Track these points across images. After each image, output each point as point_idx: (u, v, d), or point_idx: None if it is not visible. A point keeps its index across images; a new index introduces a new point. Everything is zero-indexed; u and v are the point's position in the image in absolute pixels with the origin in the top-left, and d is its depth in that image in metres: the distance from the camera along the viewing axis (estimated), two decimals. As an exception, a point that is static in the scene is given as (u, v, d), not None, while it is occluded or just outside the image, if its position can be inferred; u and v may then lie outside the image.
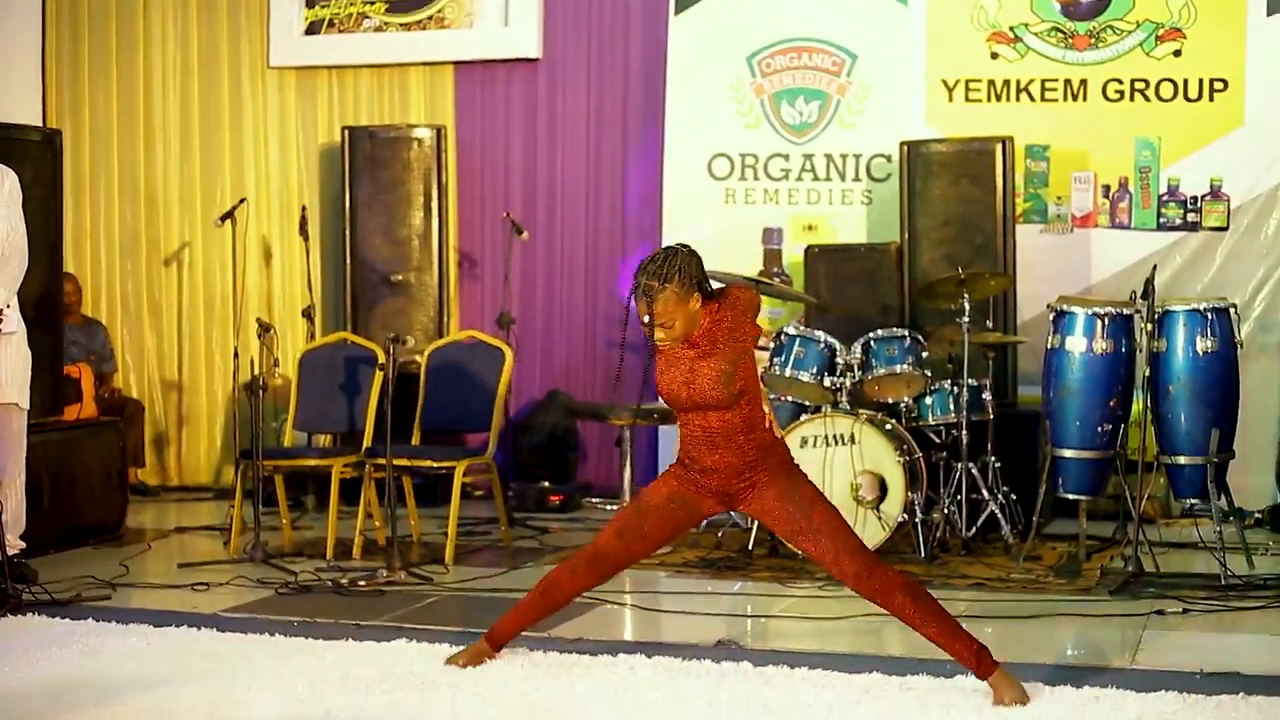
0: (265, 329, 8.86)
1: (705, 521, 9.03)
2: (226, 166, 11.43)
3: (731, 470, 5.38)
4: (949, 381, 8.41)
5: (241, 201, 9.70)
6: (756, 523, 8.15)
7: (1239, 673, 5.44)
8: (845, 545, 5.28)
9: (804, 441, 7.95)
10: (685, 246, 5.39)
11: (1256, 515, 9.35)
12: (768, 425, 5.42)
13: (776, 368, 8.32)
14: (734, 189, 10.72)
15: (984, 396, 8.46)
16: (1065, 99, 10.07)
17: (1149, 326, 7.54)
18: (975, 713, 4.97)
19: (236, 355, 8.86)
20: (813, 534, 5.30)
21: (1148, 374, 7.59)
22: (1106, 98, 10.00)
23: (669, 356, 5.37)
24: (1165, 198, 9.94)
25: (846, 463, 7.90)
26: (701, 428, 5.36)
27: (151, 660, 5.66)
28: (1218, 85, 9.79)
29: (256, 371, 8.39)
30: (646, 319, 5.23)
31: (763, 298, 9.10)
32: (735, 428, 5.33)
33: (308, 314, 10.49)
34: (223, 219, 9.41)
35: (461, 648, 5.80)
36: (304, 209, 10.84)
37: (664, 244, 10.55)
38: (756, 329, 5.46)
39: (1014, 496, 8.56)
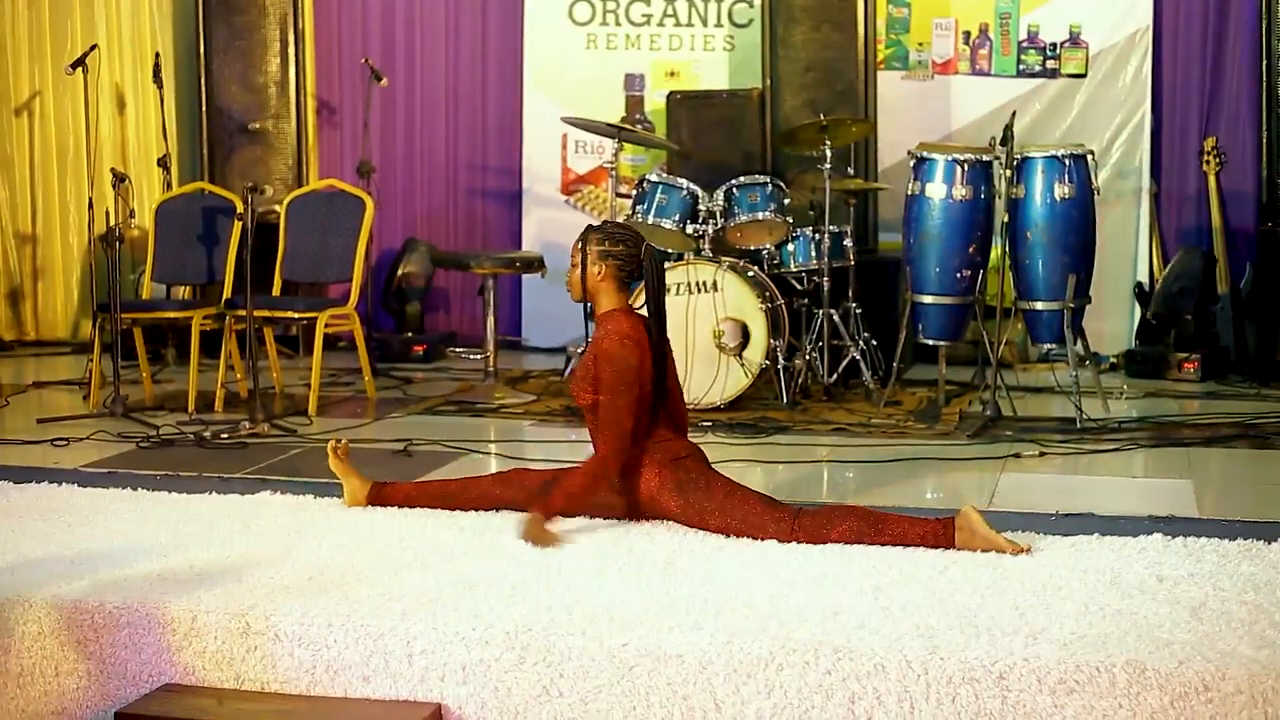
0: (120, 179, 8.69)
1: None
2: (77, 12, 11.13)
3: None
4: (811, 228, 8.44)
5: (93, 48, 9.44)
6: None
7: (1093, 513, 5.55)
8: (765, 514, 5.24)
9: (667, 289, 7.96)
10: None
11: (1111, 360, 9.53)
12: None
13: (639, 215, 8.31)
14: (595, 34, 10.64)
15: (845, 243, 8.51)
16: (927, -57, 10.09)
17: (1008, 173, 7.59)
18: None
19: (91, 206, 8.68)
20: (723, 515, 5.29)
21: (1006, 220, 7.65)
22: (968, -58, 10.03)
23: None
24: (1025, 44, 10.00)
25: (709, 310, 7.92)
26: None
27: (13, 517, 5.60)
28: (1077, -70, 9.88)
29: (112, 223, 8.25)
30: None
31: (626, 145, 9.15)
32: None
33: (163, 163, 10.30)
34: (74, 67, 9.16)
35: (326, 499, 5.80)
36: (157, 55, 10.61)
37: (525, 92, 10.57)
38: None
39: (875, 342, 8.66)
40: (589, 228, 5.57)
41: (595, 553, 5.04)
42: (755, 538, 5.16)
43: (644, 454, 5.36)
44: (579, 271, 5.46)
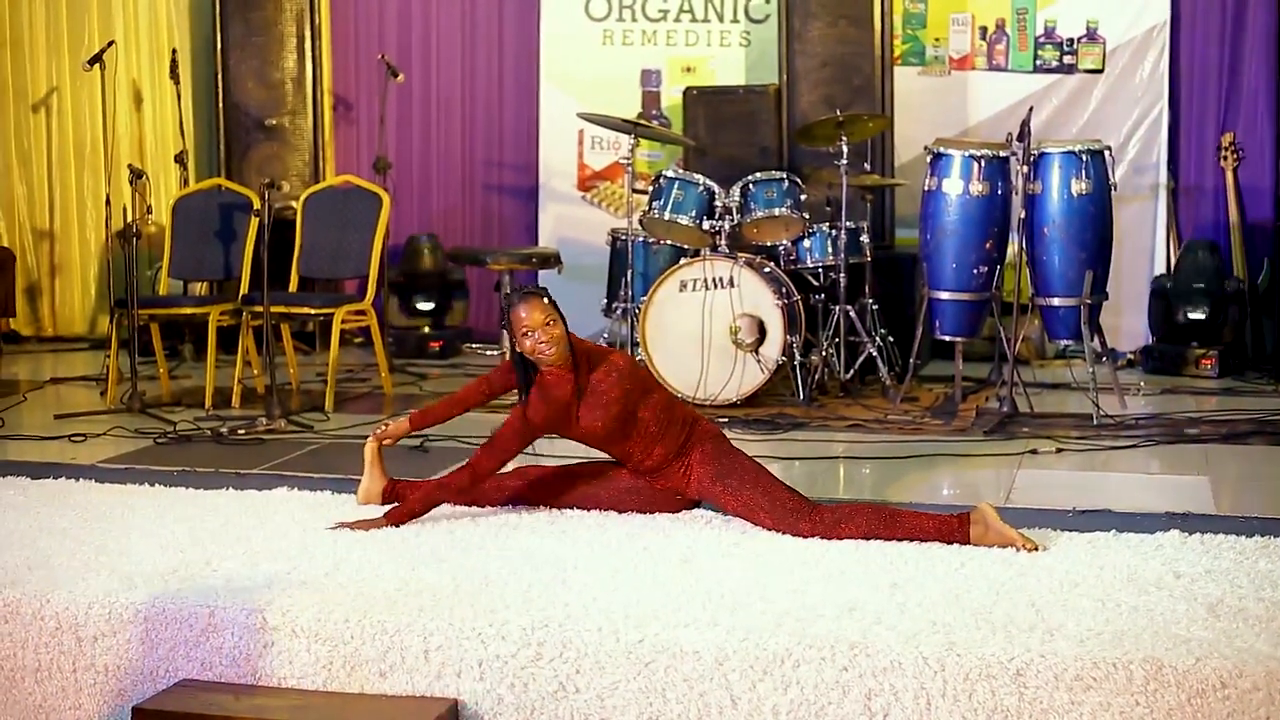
0: (137, 175, 8.70)
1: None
2: (94, 8, 11.13)
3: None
4: (827, 224, 8.43)
5: (110, 44, 9.48)
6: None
7: (1110, 510, 5.55)
8: (788, 501, 5.26)
9: (683, 285, 7.96)
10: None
11: (1129, 356, 9.52)
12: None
13: (655, 211, 8.30)
14: (612, 30, 10.63)
15: (862, 239, 8.51)
16: (945, -61, 10.08)
17: (1025, 169, 7.58)
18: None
19: (109, 202, 8.70)
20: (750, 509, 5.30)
21: (1023, 216, 7.64)
22: (985, -62, 10.02)
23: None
24: (1042, 40, 9.98)
25: (725, 306, 7.92)
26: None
27: (30, 512, 5.61)
28: (1094, -74, 9.85)
29: (129, 219, 8.26)
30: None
31: (642, 140, 9.15)
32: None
33: (180, 159, 10.33)
34: (91, 63, 9.19)
35: (343, 495, 5.80)
36: (174, 52, 10.63)
37: (542, 88, 10.55)
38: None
39: (891, 338, 8.65)
40: (535, 290, 5.39)
41: (611, 549, 5.04)
42: (775, 526, 5.18)
43: (691, 439, 5.39)
44: (562, 328, 5.31)
